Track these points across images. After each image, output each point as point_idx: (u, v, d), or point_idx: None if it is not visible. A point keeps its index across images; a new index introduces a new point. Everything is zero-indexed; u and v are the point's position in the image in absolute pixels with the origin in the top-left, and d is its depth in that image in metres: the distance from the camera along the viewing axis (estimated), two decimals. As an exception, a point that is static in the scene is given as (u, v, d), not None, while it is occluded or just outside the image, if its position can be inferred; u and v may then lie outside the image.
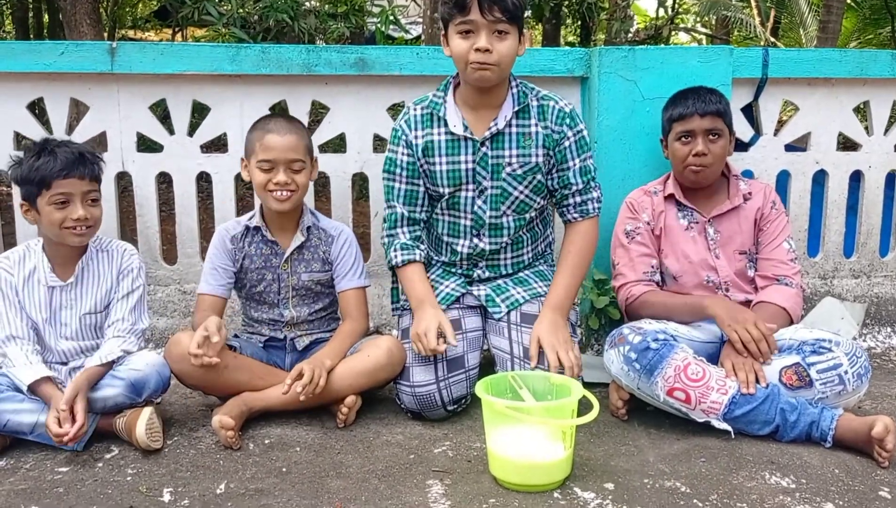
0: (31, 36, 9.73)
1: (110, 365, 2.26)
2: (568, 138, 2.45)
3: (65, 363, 2.37)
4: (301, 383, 2.24)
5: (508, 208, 2.50)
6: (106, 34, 8.47)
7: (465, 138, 2.44)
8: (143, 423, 2.12)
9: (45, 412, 2.15)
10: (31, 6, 9.84)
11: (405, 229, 2.53)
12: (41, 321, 2.33)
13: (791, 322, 2.44)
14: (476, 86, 2.36)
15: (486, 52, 2.25)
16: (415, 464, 2.10)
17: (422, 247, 2.53)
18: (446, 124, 2.45)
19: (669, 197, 2.61)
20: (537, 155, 2.45)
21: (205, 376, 2.31)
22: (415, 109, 2.50)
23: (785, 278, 2.50)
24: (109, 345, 2.31)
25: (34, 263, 2.34)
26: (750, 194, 2.58)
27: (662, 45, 7.09)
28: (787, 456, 2.12)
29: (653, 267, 2.58)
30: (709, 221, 2.56)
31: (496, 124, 2.42)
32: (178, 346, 2.29)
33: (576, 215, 2.51)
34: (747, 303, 2.51)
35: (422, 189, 2.52)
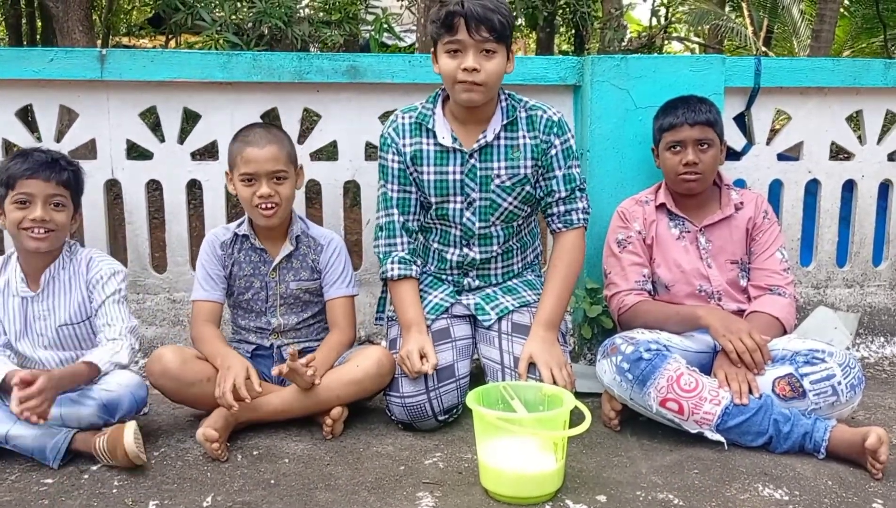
0: (25, 43, 9.70)
1: (96, 370, 2.18)
2: (554, 147, 2.44)
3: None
4: (301, 362, 2.23)
5: (497, 218, 2.49)
6: (100, 41, 8.45)
7: (454, 150, 2.43)
8: (130, 434, 2.06)
9: (17, 424, 2.10)
10: (23, 13, 9.81)
11: (404, 239, 2.51)
12: (15, 332, 2.30)
13: (784, 332, 2.43)
14: (464, 106, 2.36)
15: (474, 71, 2.25)
16: (405, 476, 2.08)
17: (418, 263, 2.52)
18: (435, 136, 2.44)
19: (661, 206, 2.60)
20: (526, 167, 2.45)
21: (188, 390, 2.30)
22: (403, 118, 2.49)
23: (778, 288, 2.49)
24: (102, 351, 2.23)
25: (9, 273, 2.32)
26: (742, 203, 2.57)
27: (655, 54, 7.10)
28: (781, 468, 2.10)
29: (644, 276, 2.57)
30: (700, 230, 2.55)
31: (485, 137, 2.41)
32: (159, 362, 2.27)
33: (560, 226, 2.50)
34: (740, 313, 2.50)
35: (413, 197, 2.51)
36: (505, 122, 2.43)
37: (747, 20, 11.87)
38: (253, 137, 2.40)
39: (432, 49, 2.38)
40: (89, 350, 2.36)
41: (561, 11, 8.06)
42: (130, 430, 2.07)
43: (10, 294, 2.31)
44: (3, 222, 2.27)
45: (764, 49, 11.20)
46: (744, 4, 12.03)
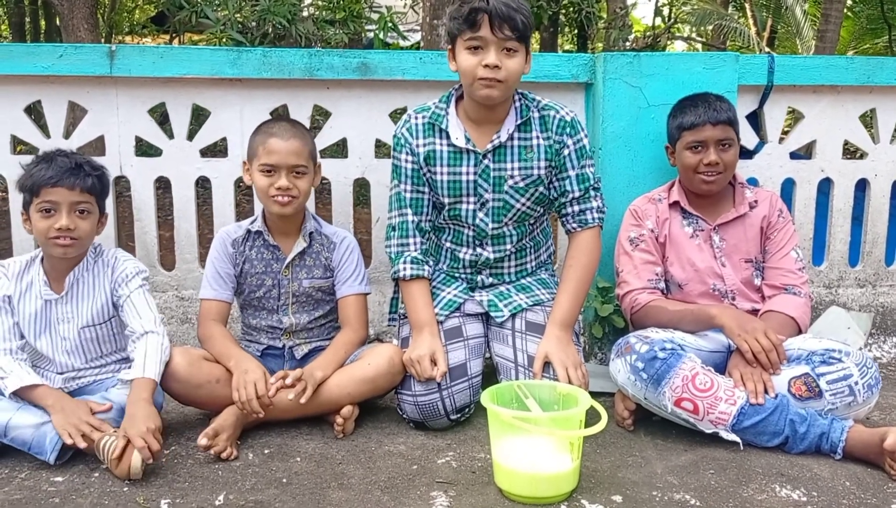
0: (29, 41, 9.70)
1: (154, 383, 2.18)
2: (567, 147, 2.43)
3: (61, 373, 2.31)
4: (276, 385, 2.23)
5: (510, 219, 2.48)
6: (103, 39, 8.44)
7: (467, 151, 2.41)
8: (139, 456, 1.99)
9: (19, 412, 2.11)
10: (28, 11, 9.81)
11: (417, 239, 2.49)
12: (37, 333, 2.28)
13: (799, 332, 2.42)
14: (481, 103, 2.35)
15: (496, 68, 2.24)
16: (418, 475, 2.06)
17: (430, 263, 2.50)
18: (448, 137, 2.43)
19: (674, 205, 2.58)
20: (539, 167, 2.43)
21: (196, 393, 2.30)
22: (416, 118, 2.48)
23: (793, 287, 2.46)
24: (150, 357, 2.20)
25: (32, 275, 2.29)
26: (756, 202, 2.55)
27: (668, 52, 7.09)
28: (797, 469, 2.08)
29: (657, 275, 2.55)
30: (714, 228, 2.53)
31: (498, 137, 2.40)
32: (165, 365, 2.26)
33: (575, 226, 2.48)
34: (754, 312, 2.48)
35: (427, 197, 2.49)
36: (518, 122, 2.41)
37: (750, 20, 11.87)
38: (277, 130, 2.41)
39: (449, 46, 2.36)
40: (110, 353, 2.37)
41: (565, 11, 8.06)
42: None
43: (32, 296, 2.28)
44: (28, 227, 2.26)
45: (767, 49, 11.18)
46: (747, 5, 12.03)
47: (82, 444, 2.04)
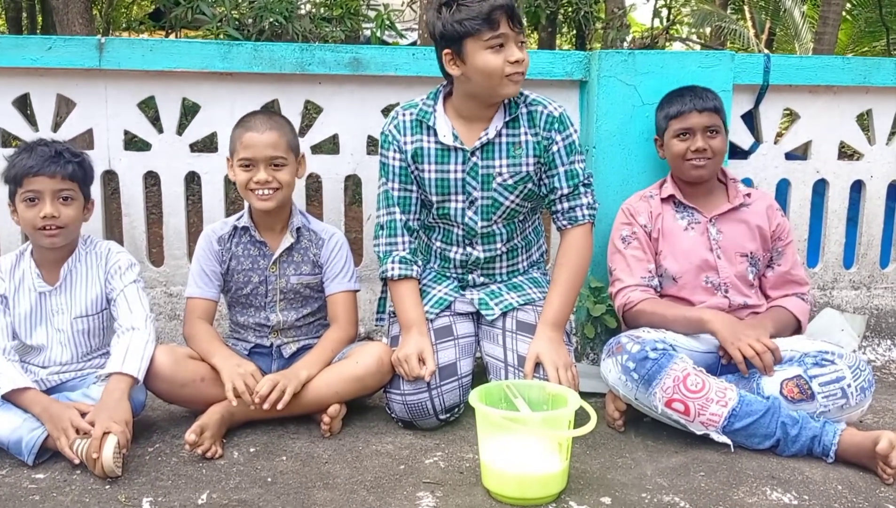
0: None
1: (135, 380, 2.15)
2: (556, 143, 2.40)
3: (44, 367, 2.29)
4: (260, 395, 2.19)
5: (499, 217, 2.45)
6: (100, 35, 8.41)
7: (455, 148, 2.39)
8: (110, 448, 1.96)
9: None
10: (24, 6, 9.77)
11: (405, 238, 2.46)
12: (33, 326, 2.27)
13: (798, 332, 2.42)
14: (500, 99, 2.35)
15: (522, 62, 2.26)
16: (405, 475, 2.04)
17: (419, 263, 2.47)
18: (436, 134, 2.40)
19: (667, 199, 2.56)
20: (528, 164, 2.40)
21: (181, 391, 2.27)
22: (403, 115, 2.45)
23: (802, 294, 2.52)
24: (132, 354, 2.17)
25: (23, 268, 2.29)
26: (749, 195, 2.54)
27: (663, 50, 7.07)
28: (789, 471, 2.06)
29: (650, 272, 2.52)
30: (710, 220, 2.51)
31: (486, 134, 2.37)
32: (149, 363, 2.23)
33: (565, 223, 2.46)
34: (745, 307, 2.46)
35: (415, 195, 2.47)
36: (507, 119, 2.39)
37: (749, 22, 11.85)
38: (253, 123, 2.38)
39: (446, 50, 2.29)
40: (96, 349, 2.35)
41: (563, 11, 8.04)
42: (110, 445, 1.97)
43: (25, 290, 2.28)
44: (16, 218, 2.26)
45: (766, 51, 11.16)
46: (745, 7, 12.01)
47: (77, 461, 2.02)
